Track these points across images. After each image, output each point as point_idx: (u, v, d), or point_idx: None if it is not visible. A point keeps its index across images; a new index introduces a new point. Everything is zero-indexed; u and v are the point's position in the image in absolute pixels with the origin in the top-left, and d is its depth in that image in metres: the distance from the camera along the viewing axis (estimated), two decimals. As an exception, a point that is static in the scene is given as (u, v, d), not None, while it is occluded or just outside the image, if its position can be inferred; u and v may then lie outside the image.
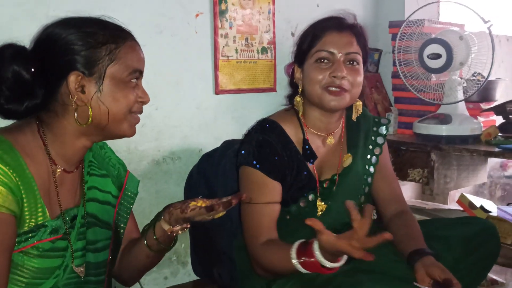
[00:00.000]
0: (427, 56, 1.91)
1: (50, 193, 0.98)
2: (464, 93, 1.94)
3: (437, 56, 1.88)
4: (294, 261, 1.15)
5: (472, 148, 1.87)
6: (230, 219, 1.53)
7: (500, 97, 2.17)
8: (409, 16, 1.99)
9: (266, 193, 1.30)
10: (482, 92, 1.98)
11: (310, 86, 1.32)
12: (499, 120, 2.07)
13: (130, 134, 1.04)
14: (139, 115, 1.05)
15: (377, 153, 1.44)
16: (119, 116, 0.98)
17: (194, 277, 1.76)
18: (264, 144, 1.32)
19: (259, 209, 1.29)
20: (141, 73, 1.02)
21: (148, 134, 1.69)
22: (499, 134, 1.93)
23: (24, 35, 1.38)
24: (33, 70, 0.94)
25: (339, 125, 1.40)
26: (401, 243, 1.30)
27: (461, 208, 2.09)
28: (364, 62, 1.37)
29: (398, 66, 2.01)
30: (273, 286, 1.28)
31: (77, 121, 0.96)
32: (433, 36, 1.97)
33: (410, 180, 2.05)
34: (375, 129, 1.46)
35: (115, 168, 1.15)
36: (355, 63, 1.31)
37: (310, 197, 1.36)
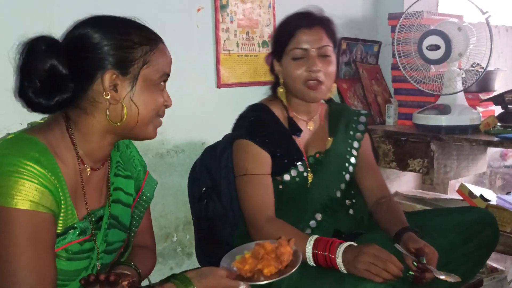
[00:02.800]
0: (426, 48, 1.93)
1: (77, 194, 0.98)
2: (463, 83, 1.96)
3: (436, 47, 1.90)
4: (309, 250, 1.23)
5: (471, 138, 1.89)
6: (232, 210, 1.57)
7: (498, 87, 2.19)
8: (408, 8, 2.00)
9: (260, 164, 1.40)
10: (481, 83, 2.00)
11: (291, 81, 1.45)
12: (498, 110, 2.09)
13: (153, 137, 1.04)
14: (161, 119, 1.06)
15: (358, 138, 1.57)
16: (148, 118, 0.99)
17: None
18: (256, 121, 1.45)
19: (256, 180, 1.38)
20: (168, 76, 1.04)
21: (152, 127, 1.71)
22: (498, 123, 1.96)
23: (28, 34, 1.41)
24: (69, 67, 0.95)
25: (317, 112, 1.54)
26: (387, 227, 1.39)
27: (461, 198, 2.13)
28: (336, 46, 1.51)
29: (397, 57, 2.03)
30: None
31: (109, 120, 0.96)
32: (432, 27, 1.99)
33: (410, 170, 2.07)
34: (355, 118, 1.60)
35: (136, 169, 1.16)
36: (327, 54, 1.44)
37: (300, 167, 1.45)
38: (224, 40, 1.88)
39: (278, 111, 1.49)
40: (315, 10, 1.49)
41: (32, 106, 0.95)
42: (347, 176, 1.53)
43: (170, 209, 1.80)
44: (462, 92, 1.98)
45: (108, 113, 0.96)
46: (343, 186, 1.52)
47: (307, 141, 1.51)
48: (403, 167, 2.08)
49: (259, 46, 1.98)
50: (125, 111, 0.96)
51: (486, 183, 2.82)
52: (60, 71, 0.93)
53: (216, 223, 1.59)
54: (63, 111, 1.00)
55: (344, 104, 1.69)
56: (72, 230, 0.95)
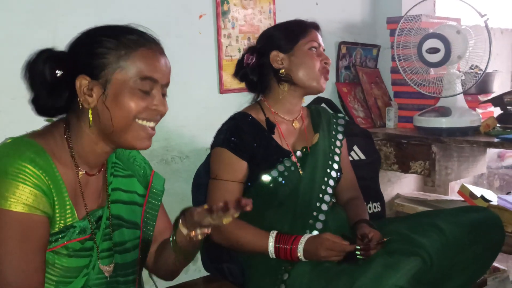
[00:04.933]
0: (426, 51, 1.95)
1: (76, 194, 1.01)
2: (462, 86, 1.99)
3: (435, 50, 1.93)
4: (271, 244, 1.38)
5: (472, 139, 1.91)
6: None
7: (497, 89, 2.22)
8: (407, 11, 2.03)
9: (231, 171, 1.46)
10: (480, 85, 2.03)
11: (307, 69, 1.52)
12: (497, 111, 2.11)
13: (138, 146, 1.02)
14: (151, 127, 1.02)
15: (340, 138, 1.65)
16: (122, 123, 0.97)
17: (204, 273, 1.79)
18: (234, 127, 1.51)
19: (223, 185, 1.46)
20: (155, 81, 1.00)
21: (157, 134, 1.66)
22: (498, 125, 1.98)
23: (35, 40, 1.41)
24: (58, 73, 0.97)
25: (300, 113, 1.62)
26: (350, 220, 1.56)
27: (462, 199, 2.14)
28: None
29: (397, 61, 2.05)
30: (288, 279, 1.32)
31: (89, 123, 0.98)
32: (431, 31, 2.01)
33: (412, 173, 2.09)
34: (334, 120, 1.69)
35: (140, 167, 1.17)
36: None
37: (287, 162, 1.50)
38: (226, 46, 1.89)
39: (257, 116, 1.55)
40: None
41: (37, 109, 1.01)
42: (333, 173, 1.57)
43: (176, 214, 1.79)
44: (462, 94, 2.00)
45: (89, 117, 0.98)
46: (331, 182, 1.55)
47: (294, 139, 1.57)
48: (405, 169, 2.10)
49: (260, 51, 1.99)
50: (90, 116, 0.98)
51: (485, 183, 2.84)
52: (46, 78, 0.97)
53: (222, 229, 1.60)
54: (65, 117, 1.03)
55: (321, 107, 1.77)
56: (72, 228, 0.98)
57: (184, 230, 1.07)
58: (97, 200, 1.06)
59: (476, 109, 2.11)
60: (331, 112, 1.75)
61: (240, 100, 1.94)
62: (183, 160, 1.80)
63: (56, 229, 0.96)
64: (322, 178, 1.54)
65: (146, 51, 0.99)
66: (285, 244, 1.37)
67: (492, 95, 2.16)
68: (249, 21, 1.95)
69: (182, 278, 1.82)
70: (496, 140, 1.87)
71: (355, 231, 1.46)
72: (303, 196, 1.49)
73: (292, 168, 1.51)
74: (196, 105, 1.83)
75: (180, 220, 1.08)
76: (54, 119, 1.06)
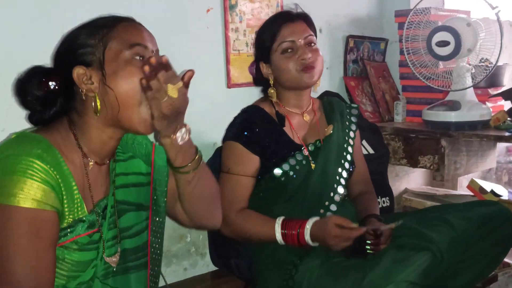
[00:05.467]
0: (435, 44, 1.93)
1: (85, 188, 1.00)
2: (472, 79, 1.97)
3: (445, 43, 1.91)
4: (278, 231, 1.37)
5: (481, 133, 1.89)
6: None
7: (507, 82, 2.19)
8: (417, 4, 2.01)
9: (243, 165, 1.45)
10: (490, 78, 2.00)
11: (285, 74, 1.48)
12: (507, 105, 2.09)
13: (143, 129, 0.98)
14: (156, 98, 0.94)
15: (353, 129, 1.62)
16: (129, 97, 0.95)
17: (212, 268, 1.79)
18: (246, 121, 1.49)
19: (235, 179, 1.45)
20: (145, 47, 0.97)
21: (164, 129, 1.71)
22: (508, 118, 1.96)
23: (42, 36, 1.41)
24: (51, 85, 0.98)
25: (310, 105, 1.58)
26: (359, 214, 1.53)
27: (472, 193, 2.13)
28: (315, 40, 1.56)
29: (406, 54, 2.04)
30: (297, 274, 1.32)
31: (95, 112, 0.97)
32: (440, 24, 1.99)
33: (421, 167, 2.08)
34: (348, 111, 1.65)
35: (141, 145, 1.13)
36: (312, 44, 1.49)
37: (298, 156, 1.49)
38: (234, 40, 1.88)
39: (268, 109, 1.54)
40: (292, 7, 1.56)
41: (31, 121, 1.01)
42: (347, 165, 1.56)
43: (184, 210, 1.80)
44: (472, 87, 1.98)
45: (93, 106, 0.97)
46: (345, 174, 1.54)
47: (306, 132, 1.55)
48: (414, 164, 2.08)
49: (268, 45, 1.97)
50: (98, 101, 0.96)
51: (493, 178, 2.82)
52: (36, 95, 0.97)
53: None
54: (66, 115, 1.02)
55: (334, 98, 1.71)
56: (81, 223, 0.97)
57: (165, 140, 1.01)
58: (103, 189, 1.05)
59: (486, 102, 2.09)
60: (342, 102, 1.72)
61: (248, 95, 1.93)
62: (191, 155, 1.80)
63: (65, 224, 0.95)
64: (336, 170, 1.52)
65: (125, 23, 0.99)
66: (291, 230, 1.36)
67: (503, 89, 2.14)
68: (256, 15, 1.94)
69: (190, 273, 1.83)
70: (506, 134, 1.85)
71: (365, 226, 1.44)
72: (314, 189, 1.48)
73: (304, 162, 1.49)
74: (204, 100, 1.82)
75: (155, 138, 1.04)
76: None
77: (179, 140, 1.02)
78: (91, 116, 0.99)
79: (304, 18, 1.52)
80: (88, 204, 1.00)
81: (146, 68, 0.92)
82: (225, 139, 1.52)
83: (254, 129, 1.47)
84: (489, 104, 2.09)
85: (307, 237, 1.34)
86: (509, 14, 2.87)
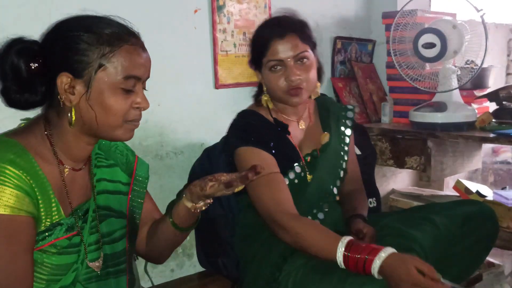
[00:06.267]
0: (422, 46, 1.94)
1: (62, 191, 0.99)
2: (458, 81, 1.98)
3: (431, 45, 1.92)
4: (340, 251, 1.20)
5: (467, 134, 1.91)
6: (231, 211, 1.57)
7: (492, 84, 2.22)
8: (404, 6, 2.02)
9: (267, 165, 1.36)
10: (475, 80, 2.02)
11: (272, 91, 1.45)
12: (492, 106, 2.11)
13: (125, 139, 1.02)
14: (137, 124, 1.01)
15: (348, 134, 1.58)
16: (110, 122, 0.96)
17: (200, 268, 1.78)
18: (251, 126, 1.44)
19: (267, 180, 1.34)
20: (138, 79, 0.98)
21: (152, 129, 1.71)
22: (493, 120, 1.98)
23: (27, 35, 1.39)
24: (33, 66, 0.94)
25: (304, 112, 1.53)
26: (345, 213, 1.51)
27: (458, 194, 2.15)
28: (314, 47, 1.48)
29: (393, 56, 2.05)
30: (282, 274, 1.32)
31: (69, 123, 0.96)
32: (426, 25, 2.01)
33: (407, 168, 2.09)
34: (343, 113, 1.59)
35: (123, 155, 1.15)
36: (305, 59, 1.41)
37: (297, 169, 1.45)
38: (222, 41, 1.88)
39: (267, 115, 1.49)
40: (287, 14, 1.47)
41: (8, 102, 0.98)
42: (342, 173, 1.54)
43: (170, 211, 1.79)
44: (457, 89, 2.00)
45: (69, 115, 0.96)
46: (338, 182, 1.53)
47: (301, 140, 1.51)
48: (400, 164, 2.10)
49: (255, 46, 1.98)
50: (73, 115, 0.95)
51: (479, 179, 2.85)
52: (21, 72, 0.94)
53: (216, 224, 1.59)
54: (44, 113, 1.01)
55: (329, 98, 1.65)
56: (59, 226, 0.97)
57: (188, 204, 1.09)
58: (83, 193, 1.05)
59: (472, 104, 2.11)
60: (338, 104, 1.67)
61: (236, 95, 1.93)
62: (178, 156, 1.79)
63: (43, 228, 0.95)
64: (331, 180, 1.50)
65: (129, 48, 0.96)
66: (357, 253, 1.17)
67: (488, 90, 2.16)
68: (244, 15, 1.94)
69: (177, 273, 1.82)
70: (491, 135, 1.87)
71: (350, 226, 1.44)
72: (306, 199, 1.45)
73: (302, 174, 1.45)
74: (191, 101, 1.82)
75: (184, 195, 1.10)
76: (31, 116, 1.04)
77: (198, 209, 1.10)
78: (67, 122, 0.97)
79: (298, 32, 1.42)
80: (66, 207, 0.99)
81: (251, 176, 1.03)
82: (236, 146, 1.42)
83: (261, 133, 1.42)
84: (474, 106, 2.11)
85: (376, 266, 1.15)
86: (495, 16, 2.91)
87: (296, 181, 1.44)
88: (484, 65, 1.97)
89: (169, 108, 1.76)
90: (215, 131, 1.84)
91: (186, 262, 1.85)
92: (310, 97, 1.50)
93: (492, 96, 2.05)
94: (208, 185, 1.05)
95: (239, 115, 1.50)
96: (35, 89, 0.96)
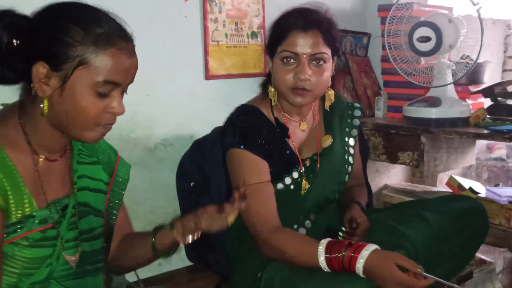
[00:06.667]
0: (417, 39, 1.91)
1: (36, 183, 0.96)
2: (453, 76, 1.96)
3: (426, 39, 1.89)
4: (322, 255, 1.19)
5: (461, 130, 1.89)
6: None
7: (487, 79, 2.19)
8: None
9: (257, 172, 1.32)
10: (471, 75, 2.00)
11: (278, 83, 1.36)
12: (487, 102, 2.09)
13: (93, 142, 0.99)
14: (108, 129, 0.98)
15: (354, 135, 1.50)
16: (81, 124, 0.93)
17: (188, 262, 1.76)
18: (248, 125, 1.35)
19: (255, 190, 1.29)
20: (118, 84, 0.93)
21: (140, 121, 1.68)
22: (488, 116, 1.96)
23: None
24: (15, 43, 0.90)
25: (309, 112, 1.45)
26: (344, 203, 1.44)
27: (451, 190, 2.13)
28: (336, 53, 1.38)
29: (388, 49, 2.02)
30: (264, 274, 1.29)
31: (41, 114, 0.92)
32: (422, 19, 1.97)
33: (400, 163, 2.07)
34: (349, 112, 1.51)
35: (105, 154, 1.12)
36: (321, 62, 1.32)
37: (295, 174, 1.38)
38: (213, 31, 1.84)
39: (269, 113, 1.41)
40: (316, 8, 1.37)
41: None
42: (346, 178, 1.47)
43: (160, 204, 1.76)
44: (452, 84, 1.97)
45: (40, 108, 0.92)
46: (341, 187, 1.47)
47: (302, 143, 1.43)
48: (393, 160, 2.07)
49: (248, 37, 1.94)
50: (45, 106, 0.91)
51: (473, 175, 2.84)
52: (6, 46, 0.89)
53: (206, 218, 1.56)
54: (20, 99, 0.97)
55: (337, 95, 1.51)
56: (31, 218, 0.94)
57: (178, 237, 1.09)
58: (61, 187, 1.02)
59: (466, 99, 2.09)
60: (345, 102, 1.55)
61: (227, 86, 1.90)
62: (167, 148, 1.76)
63: (14, 219, 0.91)
64: (332, 186, 1.44)
65: (115, 52, 0.91)
66: (338, 252, 1.16)
67: (483, 86, 2.13)
68: (236, 5, 1.90)
69: (165, 267, 1.79)
70: (485, 131, 1.85)
71: (345, 213, 1.37)
72: (303, 205, 1.40)
73: (299, 179, 1.39)
74: (181, 92, 1.78)
75: (176, 228, 1.09)
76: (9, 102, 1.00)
77: (186, 242, 1.11)
78: (39, 112, 0.93)
79: (323, 29, 1.31)
80: (40, 199, 0.96)
81: (238, 195, 1.05)
82: (228, 146, 1.36)
83: (258, 136, 1.34)
84: (469, 101, 2.09)
85: (360, 265, 1.15)
86: (492, 11, 2.88)
87: (292, 186, 1.38)
88: (480, 60, 1.95)
89: (158, 99, 1.72)
90: (205, 123, 1.81)
91: (174, 256, 1.82)
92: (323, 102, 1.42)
93: (487, 92, 2.03)
94: (202, 220, 1.05)
95: (239, 110, 1.42)
96: (13, 66, 0.91)
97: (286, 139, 1.40)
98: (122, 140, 1.62)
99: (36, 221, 0.94)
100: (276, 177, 1.37)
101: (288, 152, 1.39)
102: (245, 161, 1.33)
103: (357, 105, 1.56)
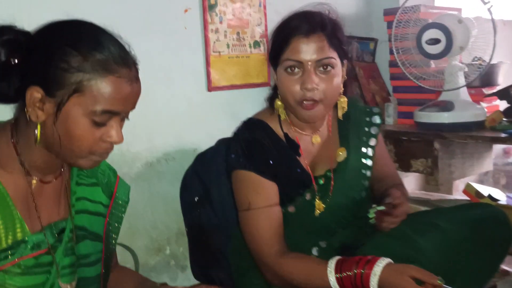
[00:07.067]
0: (426, 42, 1.85)
1: (28, 205, 0.91)
2: (465, 78, 1.89)
3: (436, 41, 1.82)
4: (332, 275, 1.12)
5: (476, 135, 1.81)
6: (226, 220, 1.47)
7: (502, 81, 2.11)
8: (404, 2, 1.93)
9: (264, 195, 1.24)
10: (484, 77, 1.93)
11: (284, 96, 1.25)
12: (503, 105, 2.01)
13: (87, 168, 0.94)
14: (105, 154, 0.92)
15: (372, 144, 1.37)
16: (74, 152, 0.88)
17: (194, 281, 1.68)
18: (253, 143, 1.26)
19: (261, 214, 1.23)
20: (116, 114, 0.87)
21: (140, 134, 1.63)
22: (504, 119, 1.87)
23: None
24: (13, 62, 0.86)
25: (323, 123, 1.34)
26: (379, 193, 1.32)
27: (468, 198, 2.04)
28: (345, 56, 1.28)
29: (395, 54, 1.96)
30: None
31: (34, 141, 0.87)
32: (430, 21, 1.91)
33: (413, 171, 1.99)
34: (367, 119, 1.38)
35: (104, 175, 1.06)
36: (328, 67, 1.21)
37: (307, 195, 1.29)
38: (214, 42, 1.79)
39: (277, 128, 1.31)
40: (320, 10, 1.27)
41: None
42: (363, 194, 1.35)
43: (161, 220, 1.71)
44: (465, 87, 1.90)
45: (34, 135, 0.87)
46: (358, 204, 1.35)
47: (313, 159, 1.32)
48: (406, 167, 1.99)
49: (250, 46, 1.89)
50: (38, 133, 0.86)
51: (490, 181, 2.74)
52: (2, 62, 0.85)
53: (210, 233, 1.50)
54: (14, 117, 0.92)
55: (352, 99, 1.37)
56: (23, 244, 0.88)
57: None
58: (56, 210, 0.96)
59: (481, 102, 2.01)
60: (363, 108, 1.41)
61: (230, 98, 1.85)
62: (169, 162, 1.71)
63: (4, 245, 0.86)
64: (349, 205, 1.32)
65: (114, 80, 0.84)
66: (349, 270, 1.10)
67: (497, 88, 2.05)
68: (237, 15, 1.85)
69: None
70: (502, 135, 1.76)
71: (384, 190, 1.27)
72: (318, 225, 1.31)
73: (312, 200, 1.29)
74: (183, 104, 1.74)
75: None
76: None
77: None
78: (34, 136, 0.88)
79: (327, 33, 1.21)
80: (33, 223, 0.91)
81: None
82: (233, 167, 1.28)
83: (264, 155, 1.25)
84: (483, 104, 2.01)
85: (374, 283, 1.07)
86: (502, 12, 2.81)
87: (304, 209, 1.29)
88: (493, 61, 1.87)
89: (159, 112, 1.67)
90: (208, 135, 1.75)
91: (179, 274, 1.76)
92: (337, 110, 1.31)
93: (502, 94, 1.95)
94: None
95: (245, 126, 1.33)
96: (11, 84, 0.87)
97: (297, 157, 1.30)
98: (122, 155, 1.57)
99: (29, 246, 0.88)
100: (287, 199, 1.28)
101: (299, 170, 1.29)
102: (250, 182, 1.24)
103: (376, 110, 1.41)
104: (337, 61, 1.22)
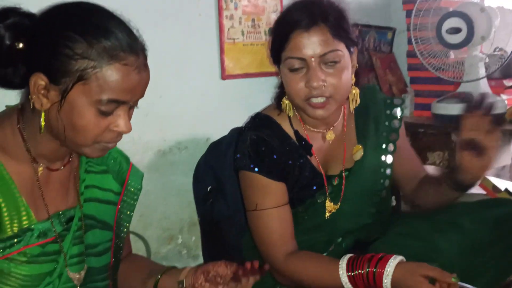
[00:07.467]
0: (446, 31, 1.80)
1: (35, 193, 0.89)
2: (486, 69, 1.84)
3: (456, 30, 1.78)
4: (344, 275, 1.10)
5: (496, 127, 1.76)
6: (239, 211, 1.45)
7: (524, 73, 2.05)
8: (425, -11, 1.88)
9: (271, 196, 1.20)
10: (505, 68, 1.88)
11: (290, 96, 1.18)
12: (524, 97, 1.96)
13: (93, 157, 0.92)
14: (110, 146, 0.89)
15: (393, 139, 1.28)
16: (78, 142, 0.85)
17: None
18: (259, 143, 1.20)
19: (269, 215, 1.20)
20: (122, 103, 0.84)
21: (153, 123, 1.61)
22: (525, 112, 1.83)
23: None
24: (18, 46, 0.83)
25: (338, 117, 1.25)
26: (437, 192, 1.26)
27: (484, 192, 2.00)
28: (353, 44, 1.19)
29: (414, 44, 1.91)
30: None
31: (39, 129, 0.85)
32: (451, 9, 1.86)
33: (430, 164, 1.95)
34: (388, 112, 1.30)
35: (116, 162, 1.04)
36: (334, 62, 1.12)
37: (319, 197, 1.25)
38: (228, 28, 1.76)
39: (287, 125, 1.24)
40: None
41: None
42: (383, 193, 1.29)
43: (174, 209, 1.69)
44: (485, 78, 1.85)
45: (38, 123, 0.85)
46: (376, 206, 1.29)
47: (326, 157, 1.25)
48: (422, 160, 1.92)
49: (265, 34, 1.86)
50: (42, 120, 0.84)
51: (507, 176, 2.68)
52: (3, 45, 0.82)
53: (222, 225, 1.49)
54: (20, 103, 0.90)
55: (371, 89, 1.29)
56: (29, 232, 0.86)
57: None
58: (64, 198, 0.94)
59: (501, 94, 1.96)
60: (382, 99, 1.31)
61: (244, 87, 1.82)
62: (182, 151, 1.69)
63: (9, 233, 0.84)
64: (367, 208, 1.27)
65: (120, 67, 0.81)
66: (361, 268, 1.07)
67: (519, 80, 2.00)
68: (253, 1, 1.82)
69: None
70: (523, 128, 1.72)
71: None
72: (332, 228, 1.27)
73: (324, 202, 1.24)
74: (196, 93, 1.71)
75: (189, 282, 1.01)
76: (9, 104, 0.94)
77: None
78: (39, 123, 0.86)
79: (330, 23, 1.11)
80: (40, 211, 0.89)
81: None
82: (239, 167, 1.23)
83: (272, 155, 1.20)
84: (504, 96, 1.96)
85: (387, 281, 1.05)
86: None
87: (314, 209, 1.25)
88: (515, 53, 1.82)
89: (172, 100, 1.65)
90: (221, 124, 1.72)
91: (191, 263, 1.75)
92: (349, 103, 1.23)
93: (524, 86, 1.90)
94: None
95: (252, 122, 1.27)
96: (17, 69, 0.84)
97: (309, 156, 1.23)
98: (134, 143, 1.56)
99: (35, 234, 0.87)
100: (298, 201, 1.24)
101: (310, 171, 1.23)
102: (257, 185, 1.21)
103: (397, 101, 1.31)
104: (343, 52, 1.14)
